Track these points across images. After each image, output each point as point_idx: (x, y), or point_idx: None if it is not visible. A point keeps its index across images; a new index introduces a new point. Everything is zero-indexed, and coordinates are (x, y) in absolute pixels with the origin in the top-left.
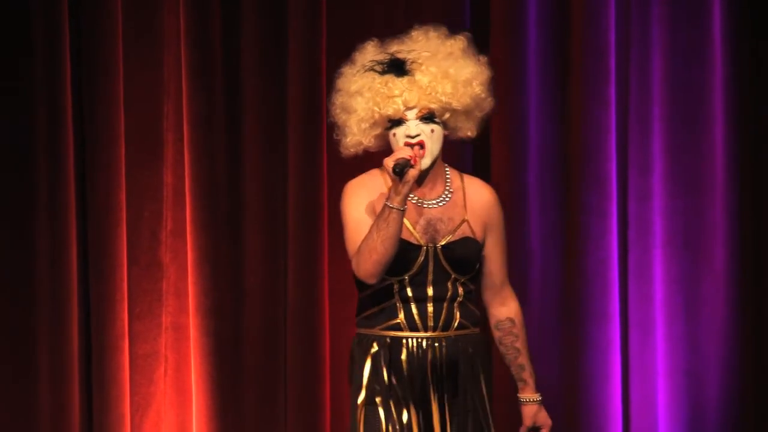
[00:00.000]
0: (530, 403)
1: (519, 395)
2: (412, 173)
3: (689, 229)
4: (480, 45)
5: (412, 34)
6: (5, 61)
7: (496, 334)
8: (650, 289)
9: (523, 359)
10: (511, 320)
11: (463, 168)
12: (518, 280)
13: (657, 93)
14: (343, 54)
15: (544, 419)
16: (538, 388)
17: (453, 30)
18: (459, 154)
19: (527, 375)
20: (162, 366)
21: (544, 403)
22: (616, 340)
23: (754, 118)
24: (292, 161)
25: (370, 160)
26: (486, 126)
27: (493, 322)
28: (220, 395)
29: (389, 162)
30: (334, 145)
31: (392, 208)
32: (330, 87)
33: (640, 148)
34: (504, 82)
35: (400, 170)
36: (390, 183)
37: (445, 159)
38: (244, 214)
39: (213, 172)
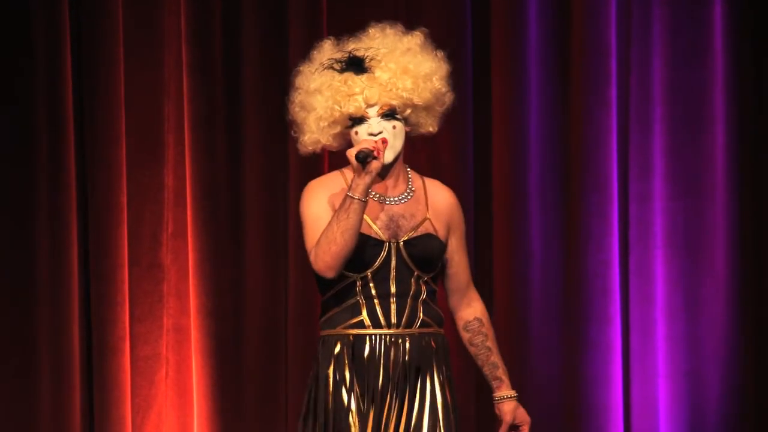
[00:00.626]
0: (508, 399)
1: (495, 395)
2: (375, 165)
3: (690, 230)
4: (481, 45)
5: (369, 31)
6: (5, 61)
7: (465, 335)
8: (651, 289)
9: (496, 357)
10: (479, 320)
11: (464, 169)
12: (519, 280)
13: (658, 94)
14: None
15: (523, 416)
16: (537, 388)
17: (453, 31)
18: (460, 155)
19: (501, 372)
20: (163, 368)
21: (546, 402)
22: (617, 341)
23: (755, 119)
24: (292, 162)
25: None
26: (487, 126)
27: (461, 324)
28: (221, 396)
29: (352, 151)
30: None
31: (353, 198)
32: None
33: (641, 149)
34: (505, 83)
35: (363, 157)
36: (350, 182)
37: (445, 160)
38: (244, 215)
39: (214, 173)
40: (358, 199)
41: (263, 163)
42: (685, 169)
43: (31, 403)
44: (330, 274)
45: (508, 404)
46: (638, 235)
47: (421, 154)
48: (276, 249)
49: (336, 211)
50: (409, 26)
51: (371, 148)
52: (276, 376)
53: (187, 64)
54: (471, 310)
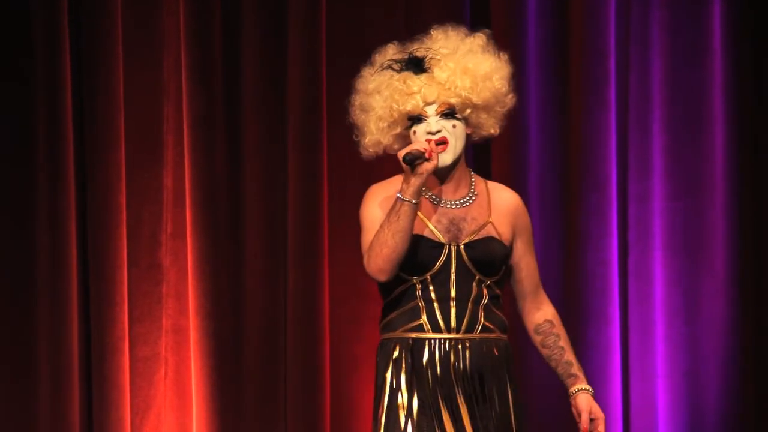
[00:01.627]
0: (584, 391)
1: (571, 389)
2: (427, 166)
3: (689, 231)
4: None
5: (432, 33)
6: (5, 61)
7: (537, 338)
8: (650, 290)
9: (570, 356)
10: (550, 322)
11: None
12: None
13: (657, 94)
14: (344, 54)
15: (599, 411)
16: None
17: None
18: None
19: (576, 369)
20: (162, 368)
21: (547, 402)
22: (616, 341)
23: (754, 119)
24: (291, 162)
25: (376, 163)
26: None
27: (531, 327)
28: (221, 397)
29: (401, 152)
30: (334, 145)
31: (403, 200)
32: (330, 86)
33: (640, 149)
34: None
35: (410, 160)
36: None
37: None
38: (244, 215)
39: (213, 174)
40: (408, 201)
41: (263, 164)
42: (684, 169)
43: (30, 403)
44: (382, 278)
45: (585, 396)
46: (637, 235)
47: None
48: (275, 249)
49: (387, 214)
50: (409, 26)
51: (422, 150)
52: (275, 377)
53: (186, 65)
54: (541, 314)
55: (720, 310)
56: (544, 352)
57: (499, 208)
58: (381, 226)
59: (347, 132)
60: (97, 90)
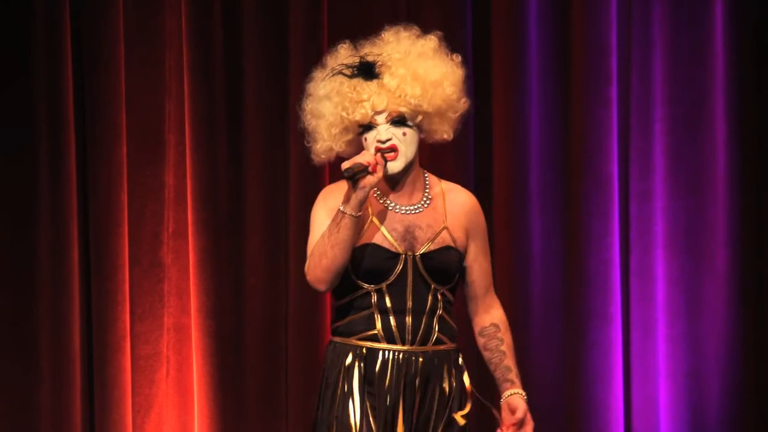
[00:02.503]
0: (518, 395)
1: (505, 392)
2: (370, 180)
3: (691, 230)
4: (481, 45)
5: (384, 35)
6: (6, 61)
7: (481, 340)
8: (652, 289)
9: (509, 361)
10: (496, 325)
11: (465, 169)
12: (520, 280)
13: (658, 93)
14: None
15: (530, 418)
16: (538, 388)
17: (453, 31)
18: (461, 156)
19: (513, 376)
20: (164, 367)
21: (547, 402)
22: (618, 341)
23: (756, 118)
24: (293, 161)
25: None
26: (488, 126)
27: (477, 329)
28: (222, 395)
29: (343, 164)
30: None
31: (344, 213)
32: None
33: (642, 148)
34: (505, 83)
35: (351, 176)
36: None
37: (446, 160)
38: (245, 214)
39: (214, 173)
40: (350, 215)
41: (264, 163)
42: (685, 168)
43: (32, 401)
44: (322, 287)
45: (518, 399)
46: (639, 234)
47: (422, 154)
48: (277, 248)
49: (329, 224)
50: (409, 26)
51: (364, 164)
52: (276, 375)
53: (187, 64)
54: (488, 317)
55: (722, 309)
56: (486, 354)
57: (454, 211)
58: (322, 236)
59: None
60: (99, 89)
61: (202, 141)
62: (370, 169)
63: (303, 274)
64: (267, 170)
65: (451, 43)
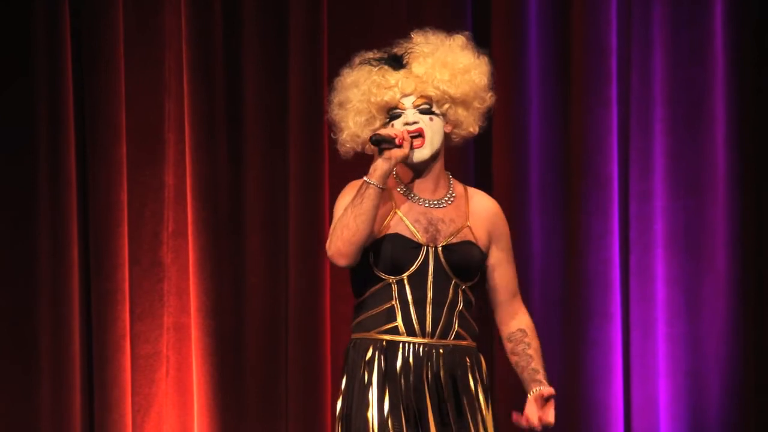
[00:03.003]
0: (547, 388)
1: (532, 390)
2: (396, 153)
3: (690, 229)
4: (481, 45)
5: (412, 36)
6: (6, 61)
7: (508, 345)
8: (651, 288)
9: (537, 364)
10: (523, 330)
11: (465, 168)
12: (520, 280)
13: (658, 93)
14: (345, 53)
15: (552, 402)
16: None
17: (453, 30)
18: (461, 156)
19: (541, 377)
20: (163, 366)
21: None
22: (618, 340)
23: (756, 118)
24: (293, 161)
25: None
26: (488, 126)
27: (504, 335)
28: (222, 395)
29: (372, 132)
30: (335, 144)
31: (369, 183)
32: (330, 86)
33: (642, 148)
34: (505, 82)
35: (377, 140)
36: (391, 184)
37: (446, 160)
38: (245, 214)
39: (214, 172)
40: (374, 185)
41: (264, 162)
42: (685, 168)
43: (32, 401)
44: (342, 262)
45: (547, 387)
46: (639, 234)
47: None
48: (276, 247)
49: (353, 197)
50: (409, 25)
51: (392, 135)
52: (276, 375)
53: (187, 63)
54: (515, 322)
55: (721, 308)
56: (513, 359)
57: (477, 213)
58: (345, 210)
59: None
60: (99, 88)
61: (201, 140)
62: (397, 141)
63: (303, 274)
64: (267, 170)
65: None
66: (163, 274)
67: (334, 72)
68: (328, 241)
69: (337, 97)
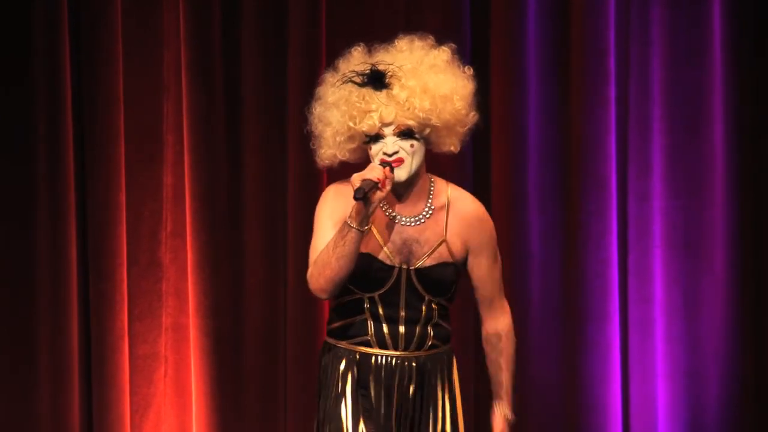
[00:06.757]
0: (499, 414)
1: (494, 405)
2: (379, 195)
3: (689, 229)
4: (480, 45)
5: (397, 43)
6: (5, 60)
7: (485, 347)
8: (650, 289)
9: (504, 375)
10: (498, 335)
11: (463, 168)
12: (518, 280)
13: (657, 93)
14: (344, 53)
15: None
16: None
17: (451, 30)
18: (459, 156)
19: (503, 392)
20: (162, 366)
21: (545, 402)
22: (616, 341)
23: (754, 118)
24: (292, 161)
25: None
26: (486, 127)
27: (483, 335)
28: (220, 395)
29: (356, 182)
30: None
31: (351, 227)
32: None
33: (640, 148)
34: (504, 83)
35: (362, 196)
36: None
37: (444, 161)
38: (244, 214)
39: (213, 172)
40: (356, 229)
41: (262, 162)
42: (684, 168)
43: (30, 401)
44: (323, 296)
45: (498, 419)
46: (637, 234)
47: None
48: (275, 248)
49: (335, 235)
50: (410, 26)
51: (375, 180)
52: (275, 375)
53: (186, 63)
54: (494, 323)
55: (720, 308)
56: (487, 361)
57: (455, 223)
58: (327, 246)
59: None
60: (97, 88)
61: (200, 140)
62: (380, 185)
63: (302, 274)
64: (265, 170)
65: (450, 44)
66: (162, 274)
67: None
68: (309, 272)
69: (318, 110)
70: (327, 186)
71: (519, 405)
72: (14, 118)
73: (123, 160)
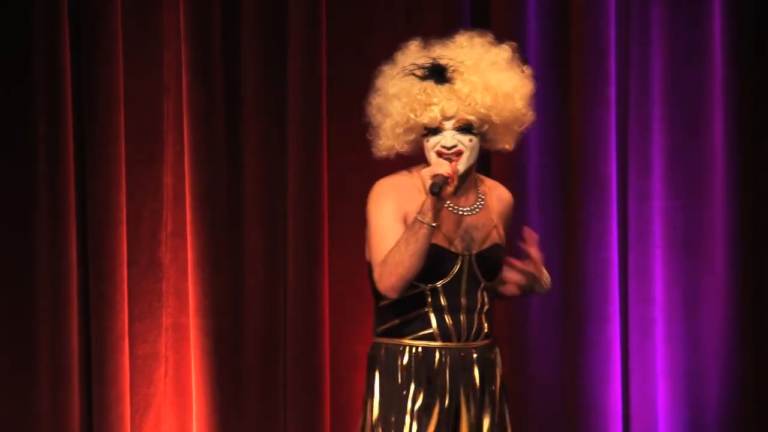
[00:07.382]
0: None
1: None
2: (448, 190)
3: (689, 230)
4: None
5: (457, 38)
6: (5, 61)
7: (503, 290)
8: (650, 289)
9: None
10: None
11: None
12: None
13: (657, 93)
14: (344, 53)
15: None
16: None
17: (451, 30)
18: None
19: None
20: (162, 366)
21: (546, 402)
22: (616, 340)
23: (754, 118)
24: (292, 161)
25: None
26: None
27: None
28: (220, 395)
29: (426, 177)
30: (334, 144)
31: (423, 223)
32: (330, 86)
33: (640, 148)
34: None
35: (438, 191)
36: (422, 187)
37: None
38: (244, 213)
39: (213, 172)
40: (428, 224)
41: (262, 162)
42: (684, 168)
43: (30, 401)
44: (393, 295)
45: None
46: (637, 234)
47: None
48: (275, 248)
49: (405, 232)
50: (410, 25)
51: (446, 175)
52: (275, 376)
53: (186, 63)
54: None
55: (720, 308)
56: (505, 289)
57: (497, 207)
58: (398, 244)
59: (347, 131)
60: (97, 88)
61: (200, 140)
62: (450, 180)
63: (302, 274)
64: (265, 170)
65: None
66: (162, 274)
67: (334, 72)
68: (377, 272)
69: (377, 101)
70: (327, 186)
71: (519, 405)
72: (14, 118)
73: (123, 160)
